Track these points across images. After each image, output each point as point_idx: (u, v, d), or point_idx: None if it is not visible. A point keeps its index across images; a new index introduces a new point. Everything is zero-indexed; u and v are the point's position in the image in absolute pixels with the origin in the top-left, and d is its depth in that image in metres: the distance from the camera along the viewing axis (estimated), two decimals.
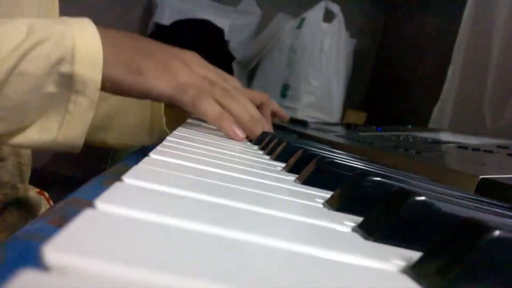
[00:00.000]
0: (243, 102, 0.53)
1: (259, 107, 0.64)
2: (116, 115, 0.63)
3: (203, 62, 0.54)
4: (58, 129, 0.43)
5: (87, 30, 0.42)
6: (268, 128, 0.58)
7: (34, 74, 0.39)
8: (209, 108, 0.49)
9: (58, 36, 0.40)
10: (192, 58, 0.52)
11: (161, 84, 0.47)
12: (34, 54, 0.39)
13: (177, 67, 0.49)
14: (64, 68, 0.40)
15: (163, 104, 0.59)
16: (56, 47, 0.39)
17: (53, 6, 0.60)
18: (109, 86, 0.45)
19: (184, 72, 0.49)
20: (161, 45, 0.51)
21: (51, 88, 0.40)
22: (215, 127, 0.55)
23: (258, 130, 0.53)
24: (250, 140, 0.56)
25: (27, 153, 0.62)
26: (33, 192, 0.66)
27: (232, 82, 0.58)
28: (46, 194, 0.72)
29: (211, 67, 0.55)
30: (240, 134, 0.50)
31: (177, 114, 0.63)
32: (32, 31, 0.39)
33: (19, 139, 0.42)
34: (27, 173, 0.63)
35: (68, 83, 0.41)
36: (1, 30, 0.38)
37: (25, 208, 0.62)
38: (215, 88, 0.51)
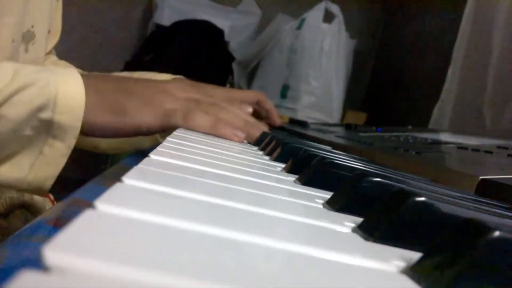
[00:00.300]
0: (232, 110, 0.54)
1: (256, 105, 0.64)
2: None
3: (184, 86, 0.55)
4: (30, 168, 0.43)
5: (71, 79, 0.43)
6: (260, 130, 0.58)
7: (13, 118, 0.40)
8: (201, 120, 0.49)
9: (42, 83, 0.41)
10: (173, 86, 0.53)
11: (148, 117, 0.48)
12: (16, 99, 0.39)
13: (160, 98, 0.50)
14: (45, 115, 0.41)
15: None
16: (39, 93, 0.40)
17: (57, 4, 0.61)
18: (99, 131, 0.46)
19: (167, 100, 0.50)
20: (142, 81, 0.53)
21: (28, 131, 0.41)
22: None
23: (255, 133, 0.53)
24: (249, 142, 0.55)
25: None
26: (38, 196, 0.66)
27: (219, 96, 0.58)
28: (51, 197, 0.72)
29: (193, 87, 0.56)
30: (240, 134, 0.50)
31: None
32: (16, 76, 0.40)
33: None
34: None
35: (47, 128, 0.42)
36: None
37: (30, 211, 0.62)
38: (202, 104, 0.52)
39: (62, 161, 0.44)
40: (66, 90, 0.42)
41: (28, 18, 0.50)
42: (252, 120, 0.56)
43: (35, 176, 0.44)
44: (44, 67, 0.43)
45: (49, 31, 0.58)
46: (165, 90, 0.52)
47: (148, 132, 0.50)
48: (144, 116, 0.48)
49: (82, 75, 0.44)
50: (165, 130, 0.51)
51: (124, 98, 0.48)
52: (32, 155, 0.43)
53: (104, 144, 0.64)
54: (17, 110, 0.40)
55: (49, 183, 0.45)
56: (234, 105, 0.57)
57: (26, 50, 0.51)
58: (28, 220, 0.61)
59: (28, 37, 0.51)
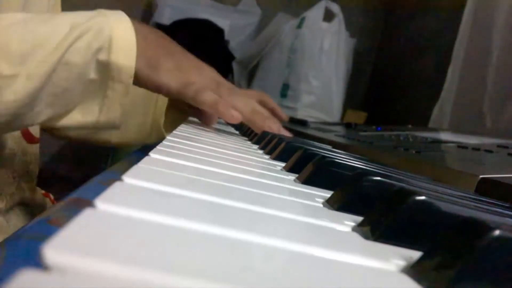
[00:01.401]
0: (244, 99, 0.57)
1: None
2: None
3: (217, 75, 0.59)
4: (99, 111, 0.48)
5: (123, 23, 0.46)
6: (275, 122, 0.60)
7: (78, 63, 0.43)
8: (207, 97, 0.53)
9: (97, 28, 0.44)
10: (207, 67, 0.58)
11: (170, 81, 0.52)
12: (77, 46, 0.43)
13: (190, 69, 0.54)
14: (102, 56, 0.45)
15: (165, 107, 0.61)
16: (96, 38, 0.44)
17: (56, 1, 0.62)
18: None
19: (195, 73, 0.54)
20: (183, 50, 0.56)
21: (92, 75, 0.45)
22: (214, 127, 0.56)
23: (259, 122, 0.56)
24: (250, 140, 0.56)
25: (34, 152, 0.62)
26: (39, 194, 0.66)
27: (237, 88, 0.62)
28: (51, 196, 0.71)
29: (222, 78, 0.60)
30: (235, 114, 0.53)
31: (176, 116, 0.64)
32: (74, 26, 0.43)
33: (65, 121, 0.48)
34: (35, 172, 0.63)
35: (106, 70, 0.45)
36: (47, 27, 0.42)
37: (30, 209, 0.63)
38: (221, 87, 0.55)
39: (124, 100, 0.48)
40: (119, 33, 0.45)
41: (26, 6, 0.51)
42: (266, 112, 0.59)
43: (106, 117, 0.48)
44: (98, 12, 0.46)
45: None
46: (199, 65, 0.56)
47: (166, 94, 0.54)
48: (169, 78, 0.51)
49: (133, 21, 0.47)
50: (181, 99, 0.54)
51: (163, 55, 0.51)
52: (98, 99, 0.47)
53: (115, 139, 0.65)
54: (79, 55, 0.43)
55: (118, 121, 0.50)
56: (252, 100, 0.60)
57: None
58: (28, 218, 0.61)
59: None
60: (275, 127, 0.57)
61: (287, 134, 0.59)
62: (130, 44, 0.46)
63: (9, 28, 0.41)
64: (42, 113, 0.45)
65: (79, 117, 0.48)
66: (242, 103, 0.56)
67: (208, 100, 0.53)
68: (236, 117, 0.53)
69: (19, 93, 0.41)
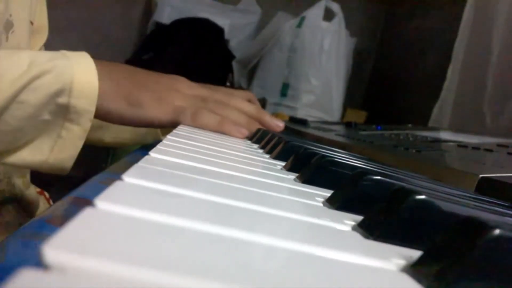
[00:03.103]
0: (237, 104, 0.58)
1: None
2: None
3: (190, 83, 0.59)
4: (50, 151, 0.46)
5: (85, 65, 0.45)
6: (270, 116, 0.62)
7: (33, 103, 0.42)
8: (207, 120, 0.53)
9: (59, 69, 0.43)
10: (181, 83, 0.58)
11: (160, 113, 0.52)
12: (35, 85, 0.42)
13: (170, 95, 0.54)
14: (62, 100, 0.43)
15: None
16: (57, 80, 0.43)
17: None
18: (112, 117, 0.49)
19: (177, 97, 0.55)
20: (153, 75, 0.56)
21: (46, 116, 0.44)
22: None
23: (268, 122, 0.59)
24: (250, 139, 0.56)
25: None
26: (32, 191, 0.66)
27: (220, 90, 0.62)
28: (47, 194, 0.71)
29: (198, 86, 0.60)
30: (243, 131, 0.55)
31: None
32: (33, 64, 0.42)
33: (11, 158, 0.45)
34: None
35: (64, 112, 0.44)
36: (4, 62, 0.42)
37: (22, 205, 0.62)
38: (208, 102, 0.56)
39: (79, 143, 0.47)
40: (81, 76, 0.44)
41: (8, 7, 0.52)
42: (255, 110, 0.60)
43: (55, 158, 0.46)
44: (58, 53, 0.45)
45: (32, 23, 0.58)
46: (174, 87, 0.56)
47: (160, 126, 0.54)
48: (157, 112, 0.52)
49: (94, 61, 0.46)
50: (175, 126, 0.54)
51: (138, 90, 0.51)
52: (51, 139, 0.46)
53: (108, 138, 0.66)
54: (36, 95, 0.42)
55: (69, 163, 0.47)
56: (237, 99, 0.61)
57: (7, 38, 0.52)
58: (21, 214, 0.61)
59: (8, 26, 0.52)
60: (275, 124, 0.59)
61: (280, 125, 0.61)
62: (92, 88, 0.45)
63: None
64: None
65: (27, 155, 0.46)
66: (235, 115, 0.56)
67: (210, 123, 0.53)
68: (243, 133, 0.54)
69: None
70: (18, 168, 0.59)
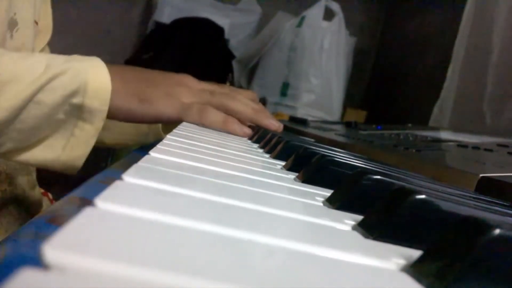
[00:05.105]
0: (242, 99, 0.59)
1: None
2: None
3: (196, 80, 0.61)
4: (62, 149, 0.47)
5: (98, 68, 0.47)
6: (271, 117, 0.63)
7: (49, 103, 0.44)
8: (214, 118, 0.55)
9: (74, 71, 0.45)
10: (188, 79, 0.59)
11: (168, 108, 0.53)
12: (51, 86, 0.44)
13: (178, 91, 0.56)
14: (76, 100, 0.45)
15: None
16: (72, 81, 0.45)
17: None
18: (123, 115, 0.51)
19: (184, 93, 0.56)
20: (161, 73, 0.58)
21: (61, 115, 0.46)
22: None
23: (264, 120, 0.59)
24: (250, 138, 0.56)
25: None
26: (37, 191, 0.66)
27: (226, 86, 0.65)
28: (50, 195, 0.71)
29: (204, 82, 0.62)
30: (247, 130, 0.56)
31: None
32: (50, 66, 0.44)
33: (24, 156, 0.47)
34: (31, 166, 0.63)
35: (77, 112, 0.46)
36: (22, 64, 0.43)
37: (24, 206, 0.62)
38: (215, 95, 0.57)
39: (91, 142, 0.48)
40: (95, 78, 0.46)
41: (12, 6, 0.52)
42: (259, 107, 0.61)
43: (68, 156, 0.48)
44: (72, 57, 0.47)
45: (36, 23, 0.59)
46: (182, 82, 0.58)
47: (167, 122, 0.56)
48: (165, 107, 0.53)
49: (107, 65, 0.48)
50: (183, 120, 0.56)
51: (147, 87, 0.53)
52: (64, 137, 0.47)
53: (110, 140, 0.66)
54: (52, 95, 0.44)
55: (80, 161, 0.49)
56: (242, 94, 0.62)
57: (11, 36, 0.53)
58: (22, 216, 0.61)
59: (12, 25, 0.53)
60: (277, 125, 0.59)
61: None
62: (105, 89, 0.46)
63: None
64: (4, 145, 0.45)
65: (39, 153, 0.47)
66: (241, 107, 0.58)
67: (216, 120, 0.55)
68: (246, 132, 0.56)
69: None
70: (27, 165, 0.59)
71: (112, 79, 0.47)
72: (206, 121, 0.54)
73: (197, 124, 0.55)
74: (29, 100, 0.43)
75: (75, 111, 0.46)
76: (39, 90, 0.43)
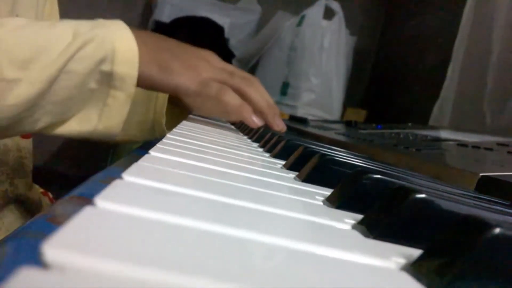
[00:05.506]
0: (259, 88, 0.59)
1: None
2: None
3: (218, 58, 0.60)
4: (98, 120, 0.48)
5: (124, 33, 0.46)
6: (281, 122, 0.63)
7: (80, 72, 0.44)
8: (231, 100, 0.54)
9: (100, 39, 0.44)
10: (210, 55, 0.58)
11: (187, 81, 0.52)
12: (80, 55, 0.43)
13: (199, 65, 0.55)
14: (105, 67, 0.45)
15: (165, 105, 0.62)
16: (99, 48, 0.44)
17: (51, 2, 0.62)
18: (143, 82, 0.49)
19: (205, 68, 0.55)
20: (184, 45, 0.57)
21: (92, 84, 0.45)
22: (214, 125, 0.56)
23: (272, 117, 0.59)
24: (249, 138, 0.56)
25: (27, 147, 0.62)
26: (35, 191, 0.66)
27: (245, 73, 0.63)
28: (50, 195, 0.71)
29: (225, 62, 0.61)
30: (258, 122, 0.56)
31: (177, 115, 0.64)
32: (77, 35, 0.44)
33: (61, 129, 0.48)
34: (29, 167, 0.63)
35: (108, 80, 0.46)
36: (50, 34, 0.43)
37: (25, 206, 0.62)
38: (234, 77, 0.56)
39: (125, 109, 0.48)
40: (121, 43, 0.46)
41: (15, 7, 0.52)
42: (272, 102, 0.61)
43: (104, 126, 0.48)
44: (98, 22, 0.46)
45: None
46: (204, 57, 0.57)
47: (184, 94, 0.54)
48: (185, 78, 0.52)
49: (132, 30, 0.47)
50: (199, 96, 0.55)
51: (169, 57, 0.52)
52: (98, 107, 0.47)
53: (118, 136, 0.66)
54: (82, 64, 0.44)
55: (117, 130, 0.49)
56: (260, 85, 0.62)
57: None
58: (23, 215, 0.61)
59: None
60: (281, 126, 0.59)
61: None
62: (132, 54, 0.46)
63: (13, 32, 0.42)
64: (41, 120, 0.45)
65: (75, 125, 0.48)
66: (258, 96, 0.57)
67: (232, 103, 0.54)
68: (257, 124, 0.55)
69: (20, 98, 0.41)
70: (22, 168, 0.58)
71: (137, 45, 0.46)
72: (223, 101, 0.53)
73: (199, 115, 0.54)
74: (60, 70, 0.43)
75: (106, 79, 0.46)
76: (69, 59, 0.43)
